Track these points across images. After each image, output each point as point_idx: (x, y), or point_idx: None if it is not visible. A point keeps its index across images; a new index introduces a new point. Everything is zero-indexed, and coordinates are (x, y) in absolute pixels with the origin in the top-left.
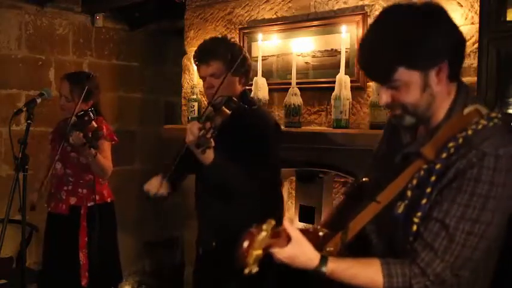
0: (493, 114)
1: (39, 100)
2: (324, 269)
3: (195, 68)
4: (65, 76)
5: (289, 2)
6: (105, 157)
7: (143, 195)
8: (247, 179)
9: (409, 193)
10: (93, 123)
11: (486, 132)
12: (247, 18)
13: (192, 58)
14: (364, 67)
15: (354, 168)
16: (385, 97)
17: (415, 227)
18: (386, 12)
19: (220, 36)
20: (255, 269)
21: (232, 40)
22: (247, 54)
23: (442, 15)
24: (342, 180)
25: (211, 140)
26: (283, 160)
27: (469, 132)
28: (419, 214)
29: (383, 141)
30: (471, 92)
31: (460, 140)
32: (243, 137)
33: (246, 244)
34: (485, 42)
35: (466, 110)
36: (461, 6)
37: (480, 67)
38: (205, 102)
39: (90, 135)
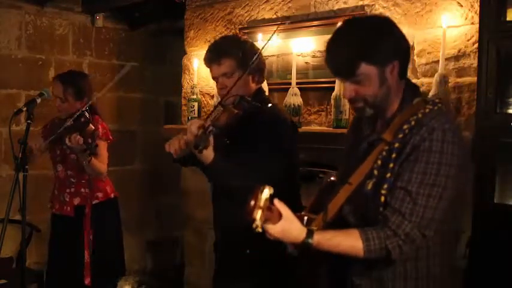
0: (437, 100)
1: (39, 100)
2: (310, 240)
3: (196, 68)
4: (57, 77)
5: (289, 2)
6: (100, 156)
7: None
8: (250, 177)
9: (375, 172)
10: (91, 125)
11: (433, 114)
12: (247, 18)
13: (203, 59)
14: (331, 65)
15: None
16: (348, 91)
17: (383, 198)
18: (348, 20)
19: (231, 34)
20: (260, 229)
21: (243, 38)
22: (260, 52)
23: (393, 24)
24: None
25: (209, 139)
26: (307, 161)
27: (419, 115)
28: (385, 186)
29: (348, 139)
30: (417, 87)
31: (413, 122)
32: (258, 136)
33: (252, 202)
34: (485, 42)
35: (415, 101)
36: (461, 6)
37: (480, 67)
38: (205, 102)
39: (90, 141)
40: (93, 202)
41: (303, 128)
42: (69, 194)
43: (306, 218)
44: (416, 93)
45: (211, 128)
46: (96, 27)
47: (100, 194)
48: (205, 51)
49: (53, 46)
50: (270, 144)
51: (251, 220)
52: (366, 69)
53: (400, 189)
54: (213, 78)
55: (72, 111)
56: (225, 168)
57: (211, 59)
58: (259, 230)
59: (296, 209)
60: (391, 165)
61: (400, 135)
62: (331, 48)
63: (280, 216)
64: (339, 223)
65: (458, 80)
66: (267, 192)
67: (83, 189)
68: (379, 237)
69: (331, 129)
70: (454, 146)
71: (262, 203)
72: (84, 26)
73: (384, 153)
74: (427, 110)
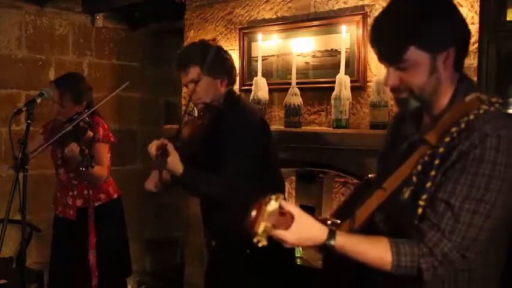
0: (494, 100)
1: (39, 100)
2: (333, 242)
3: None
4: (53, 82)
5: (289, 2)
6: (100, 160)
7: (146, 193)
8: (224, 185)
9: (414, 178)
10: (89, 132)
11: (487, 116)
12: (247, 18)
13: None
14: (376, 45)
15: (354, 168)
16: (392, 79)
17: (420, 210)
18: None
19: (196, 41)
20: (264, 242)
21: (209, 42)
22: (226, 55)
23: (454, 6)
24: (342, 180)
25: (166, 160)
26: (281, 158)
27: (471, 117)
28: (424, 197)
29: (387, 138)
30: (472, 82)
31: (463, 125)
32: (227, 141)
33: (254, 213)
34: (485, 42)
35: (468, 98)
36: (461, 6)
37: (480, 67)
38: None
39: (86, 153)
40: (96, 204)
41: (303, 128)
42: (71, 197)
43: (329, 222)
44: (471, 88)
45: (168, 146)
46: (96, 27)
47: (102, 196)
48: None
49: (53, 46)
50: (238, 148)
51: (252, 234)
52: (415, 54)
53: (440, 202)
54: (184, 85)
55: (71, 115)
56: (196, 178)
57: (178, 68)
58: (264, 243)
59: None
60: (433, 173)
61: (447, 139)
62: (377, 26)
63: (292, 218)
64: (367, 230)
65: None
66: (273, 204)
67: (85, 191)
68: (413, 253)
69: (331, 129)
70: (509, 157)
71: (266, 215)
72: (84, 26)
73: (426, 157)
74: (481, 111)
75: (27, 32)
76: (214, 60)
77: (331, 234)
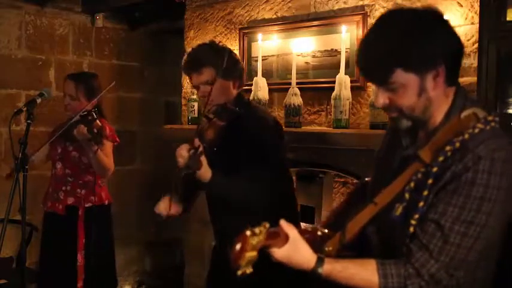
0: (490, 118)
1: (39, 100)
2: (320, 270)
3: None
4: (69, 76)
5: (289, 2)
6: (107, 156)
7: (156, 217)
8: (249, 189)
9: (407, 195)
10: (98, 121)
11: (482, 136)
12: (247, 18)
13: (182, 68)
14: (363, 68)
15: (354, 168)
16: (382, 99)
17: (412, 229)
18: (386, 15)
19: (207, 42)
20: (248, 270)
21: (220, 44)
22: (237, 57)
23: (440, 20)
24: (342, 180)
25: (200, 160)
26: (289, 158)
27: (466, 136)
28: (416, 216)
29: (385, 142)
30: (469, 94)
31: (457, 144)
32: (243, 144)
33: (238, 247)
34: (485, 42)
35: (464, 114)
36: (461, 6)
37: (480, 67)
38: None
39: (95, 131)
40: (86, 205)
41: (303, 128)
42: (64, 192)
43: (319, 233)
44: (468, 102)
45: (201, 147)
46: (96, 27)
47: (94, 198)
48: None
49: (53, 46)
50: (259, 152)
51: (236, 266)
52: (402, 77)
53: (431, 222)
54: (193, 86)
55: (79, 111)
56: (225, 183)
57: (191, 68)
58: (249, 271)
59: (291, 209)
60: (426, 192)
61: (441, 159)
62: (364, 49)
63: (286, 239)
64: (359, 242)
65: (459, 80)
66: (257, 236)
67: (78, 190)
68: (399, 274)
69: (331, 129)
70: (502, 179)
71: (250, 248)
72: (84, 26)
73: (419, 175)
74: (477, 131)
75: (27, 32)
76: (228, 63)
77: (319, 263)
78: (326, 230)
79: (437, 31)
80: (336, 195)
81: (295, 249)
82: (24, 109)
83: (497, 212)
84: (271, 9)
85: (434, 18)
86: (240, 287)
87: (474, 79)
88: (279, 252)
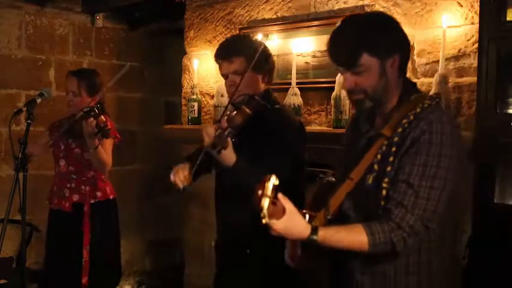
0: (434, 96)
1: (39, 100)
2: (315, 236)
3: (196, 68)
4: (72, 72)
5: (289, 2)
6: (106, 152)
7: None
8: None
9: (376, 166)
10: (102, 117)
11: (431, 108)
12: (247, 18)
13: (214, 55)
14: (334, 55)
15: None
16: (349, 82)
17: (384, 192)
18: (351, 15)
19: (241, 33)
20: (267, 219)
21: (255, 38)
22: (270, 52)
23: (395, 20)
24: None
25: (228, 140)
26: (308, 161)
27: (418, 110)
28: (386, 180)
29: (347, 133)
30: (415, 85)
31: (411, 117)
32: (267, 137)
33: (259, 192)
34: (485, 42)
35: (413, 97)
36: (461, 6)
37: (480, 67)
38: (205, 102)
39: (102, 125)
40: (92, 201)
41: None
42: (69, 189)
43: (307, 215)
44: (414, 90)
45: (228, 129)
46: (96, 27)
47: (99, 194)
48: (205, 51)
49: (53, 46)
50: (282, 147)
51: (259, 209)
52: (368, 60)
53: (401, 182)
54: (222, 75)
55: (82, 107)
56: (248, 169)
57: (222, 56)
58: (266, 220)
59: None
60: (391, 158)
61: (399, 130)
62: (335, 38)
63: (284, 211)
64: (339, 219)
65: (458, 80)
66: (273, 180)
67: (83, 187)
68: (384, 230)
69: (331, 129)
70: (452, 138)
71: (269, 192)
72: (84, 26)
73: (384, 147)
74: (426, 105)
75: (27, 32)
76: (261, 55)
77: (314, 230)
78: (311, 212)
79: (395, 26)
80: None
81: (293, 220)
82: (24, 109)
83: (453, 167)
84: (271, 9)
85: (388, 17)
86: (248, 285)
87: (474, 79)
88: (278, 224)
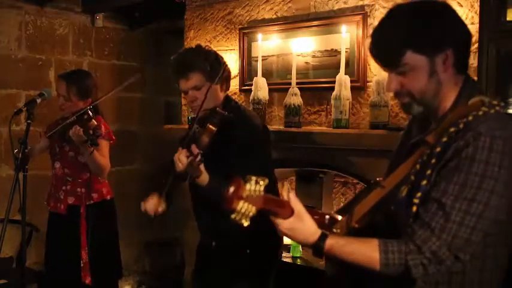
0: (495, 102)
1: (39, 100)
2: (322, 243)
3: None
4: (61, 75)
5: (289, 2)
6: (103, 155)
7: (144, 216)
8: None
9: (412, 177)
10: (93, 121)
11: (486, 117)
12: (247, 18)
13: (170, 72)
14: (375, 52)
15: (354, 168)
16: (394, 84)
17: (414, 208)
18: (395, 7)
19: (193, 46)
20: (245, 222)
21: (206, 47)
22: (223, 60)
23: (446, 8)
24: (342, 180)
25: (200, 166)
26: (277, 159)
27: (470, 118)
28: (419, 195)
29: (401, 140)
30: (477, 85)
31: (461, 125)
32: (233, 148)
33: (231, 189)
34: (485, 42)
35: (471, 101)
36: (461, 6)
37: (480, 67)
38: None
39: (90, 132)
40: (88, 203)
41: (303, 128)
42: (64, 191)
43: (327, 217)
44: (476, 91)
45: (199, 155)
46: (96, 27)
47: (95, 195)
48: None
49: (53, 46)
50: (251, 156)
51: (229, 210)
52: (413, 58)
53: (433, 201)
54: (182, 91)
55: (75, 110)
56: (222, 183)
57: (178, 74)
58: (244, 223)
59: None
60: (429, 171)
61: (444, 139)
62: (376, 34)
63: (292, 212)
64: (367, 231)
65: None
66: (253, 184)
67: (78, 189)
68: (400, 251)
69: (331, 129)
70: (503, 157)
71: (245, 194)
72: (84, 26)
73: (425, 157)
74: (481, 113)
75: (27, 32)
76: (214, 66)
77: (323, 237)
78: (334, 215)
79: (445, 16)
80: (335, 195)
81: (301, 222)
82: (24, 109)
83: (500, 191)
84: (271, 9)
85: (439, 6)
86: (224, 285)
87: (474, 79)
88: (284, 224)
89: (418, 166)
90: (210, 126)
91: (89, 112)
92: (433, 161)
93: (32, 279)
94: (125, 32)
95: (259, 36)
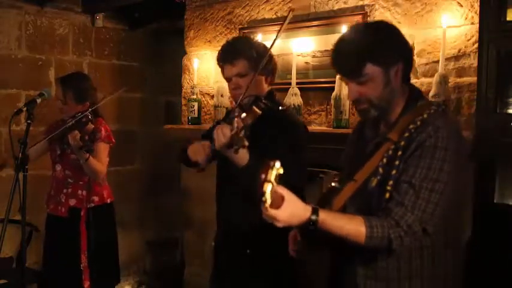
0: (441, 103)
1: (39, 100)
2: (315, 217)
3: (195, 68)
4: (58, 79)
5: (289, 2)
6: (100, 159)
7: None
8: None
9: (380, 170)
10: (90, 124)
11: (438, 114)
12: (247, 18)
13: (216, 59)
14: (338, 64)
15: None
16: (353, 92)
17: (387, 194)
18: (354, 25)
19: (243, 36)
20: (269, 201)
21: (255, 40)
22: (271, 53)
23: (395, 28)
24: None
25: (244, 139)
26: (310, 163)
27: (425, 116)
28: (391, 183)
29: (351, 143)
30: (420, 91)
31: (418, 122)
32: (275, 138)
33: (263, 176)
34: (485, 42)
35: (419, 103)
36: (461, 6)
37: (480, 67)
38: (205, 102)
39: (86, 139)
40: (88, 206)
41: None
42: (65, 194)
43: (310, 207)
44: (420, 97)
45: (243, 129)
46: (96, 27)
47: (96, 198)
48: (205, 51)
49: (53, 46)
50: (292, 148)
51: (261, 194)
52: (372, 69)
53: (404, 183)
54: (226, 78)
55: (73, 114)
56: (256, 169)
57: (225, 59)
58: (267, 206)
59: None
60: (397, 162)
61: (406, 135)
62: (338, 48)
63: (282, 198)
64: None
65: (458, 80)
66: (277, 166)
67: (79, 191)
68: (382, 225)
69: (331, 129)
70: (457, 145)
71: (272, 178)
72: (84, 26)
73: (390, 151)
74: (432, 111)
75: (27, 32)
76: (263, 57)
77: (315, 211)
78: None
79: (397, 34)
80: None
81: (293, 205)
82: (24, 109)
83: (454, 172)
84: (271, 9)
85: (390, 26)
86: (244, 285)
87: (474, 79)
88: (282, 212)
89: (385, 160)
90: (255, 109)
91: (88, 115)
92: (399, 153)
93: (32, 279)
94: (125, 32)
95: (259, 36)
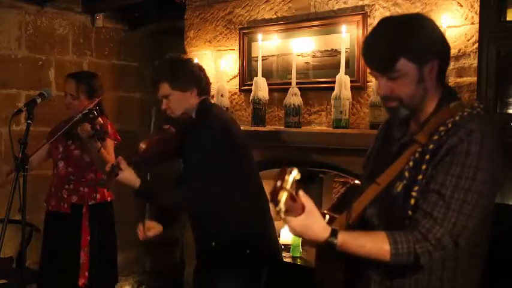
0: (476, 105)
1: (39, 100)
2: (334, 240)
3: None
4: (70, 74)
5: (289, 2)
6: (109, 152)
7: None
8: (183, 195)
9: (406, 174)
10: (100, 119)
11: (471, 117)
12: (247, 18)
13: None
14: (369, 58)
15: (354, 168)
16: (384, 88)
17: (413, 201)
18: (387, 18)
19: (166, 58)
20: (283, 210)
21: (178, 56)
22: (193, 67)
23: (432, 22)
24: (342, 180)
25: (114, 176)
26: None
27: (457, 118)
28: (416, 188)
29: (377, 140)
30: (455, 92)
31: (450, 125)
32: (187, 149)
33: (278, 183)
34: (485, 42)
35: (452, 104)
36: (461, 6)
37: (480, 67)
38: None
39: (98, 128)
40: (90, 203)
41: (303, 128)
42: (67, 190)
43: (327, 216)
44: (454, 97)
45: (119, 162)
46: (96, 27)
47: (98, 195)
48: (205, 51)
49: (53, 46)
50: (197, 157)
51: (275, 202)
52: (405, 65)
53: (432, 192)
54: (160, 101)
55: (81, 110)
56: (153, 190)
57: (150, 85)
58: (282, 215)
59: (257, 207)
60: (424, 167)
61: (435, 137)
62: (370, 41)
63: (303, 209)
64: (361, 226)
65: (458, 80)
66: (294, 173)
67: (81, 188)
68: (408, 240)
69: (331, 129)
70: (492, 152)
71: (288, 185)
72: (84, 26)
73: (417, 154)
74: (466, 113)
75: (27, 32)
76: (180, 74)
77: (333, 233)
78: (332, 214)
79: (434, 29)
80: (335, 195)
81: (312, 219)
82: (24, 109)
83: (490, 181)
84: (271, 9)
85: (427, 20)
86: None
87: (474, 79)
88: (296, 221)
89: (411, 163)
90: (152, 133)
91: (95, 112)
92: (427, 157)
93: (32, 279)
94: (125, 32)
95: (259, 36)
